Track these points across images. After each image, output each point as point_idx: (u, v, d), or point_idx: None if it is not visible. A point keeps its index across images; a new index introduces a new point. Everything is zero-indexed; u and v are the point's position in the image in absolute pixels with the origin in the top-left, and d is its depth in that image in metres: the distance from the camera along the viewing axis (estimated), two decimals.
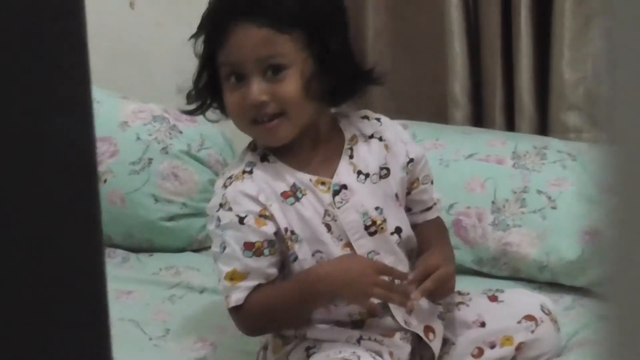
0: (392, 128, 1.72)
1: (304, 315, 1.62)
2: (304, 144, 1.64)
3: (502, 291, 1.75)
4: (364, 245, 1.63)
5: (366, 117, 1.72)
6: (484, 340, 1.67)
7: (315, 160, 1.65)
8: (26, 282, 0.66)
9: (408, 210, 1.73)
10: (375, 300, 1.59)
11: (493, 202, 2.07)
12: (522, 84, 2.30)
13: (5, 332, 0.66)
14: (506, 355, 1.66)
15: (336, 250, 1.62)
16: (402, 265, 1.67)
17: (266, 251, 1.59)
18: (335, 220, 1.62)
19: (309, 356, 1.61)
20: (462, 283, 1.86)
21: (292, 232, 1.61)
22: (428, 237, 1.71)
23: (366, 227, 1.64)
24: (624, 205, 0.52)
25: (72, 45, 0.65)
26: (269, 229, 1.59)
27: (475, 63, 2.39)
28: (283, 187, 1.62)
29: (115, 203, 2.22)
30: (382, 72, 1.70)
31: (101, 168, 2.21)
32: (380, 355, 1.60)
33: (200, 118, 1.76)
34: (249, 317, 1.62)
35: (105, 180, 2.21)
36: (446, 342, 1.69)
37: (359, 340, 1.62)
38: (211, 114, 1.70)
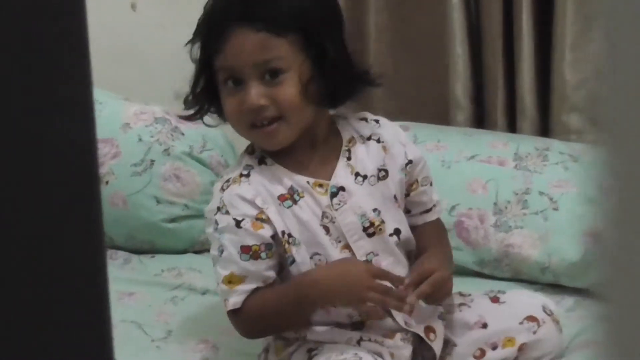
0: (390, 129, 1.72)
1: (301, 319, 1.62)
2: (302, 146, 1.64)
3: (503, 292, 1.75)
4: (362, 246, 1.63)
5: (364, 119, 1.72)
6: (485, 341, 1.67)
7: (313, 163, 1.65)
8: (27, 283, 0.66)
9: (407, 212, 1.73)
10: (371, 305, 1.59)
11: (495, 204, 2.07)
12: (523, 85, 2.30)
13: (7, 333, 0.66)
14: (508, 356, 1.66)
15: (334, 252, 1.62)
16: (402, 266, 1.67)
17: (263, 254, 1.60)
18: (334, 222, 1.62)
19: (311, 358, 1.61)
20: (464, 285, 1.86)
21: (290, 235, 1.61)
22: (427, 239, 1.71)
23: (364, 229, 1.64)
24: (623, 205, 0.52)
25: (73, 47, 0.65)
26: (265, 232, 1.60)
27: (476, 64, 2.38)
28: (280, 190, 1.62)
29: (117, 205, 2.22)
30: (378, 73, 1.70)
31: (103, 170, 2.21)
32: (381, 357, 1.60)
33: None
34: (247, 320, 1.63)
35: (107, 182, 2.22)
36: (448, 343, 1.69)
37: (359, 342, 1.62)
38: (209, 118, 1.70)
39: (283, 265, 1.63)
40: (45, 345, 0.67)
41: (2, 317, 0.65)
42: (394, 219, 1.67)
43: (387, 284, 1.59)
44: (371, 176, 1.66)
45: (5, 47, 0.63)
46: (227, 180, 1.63)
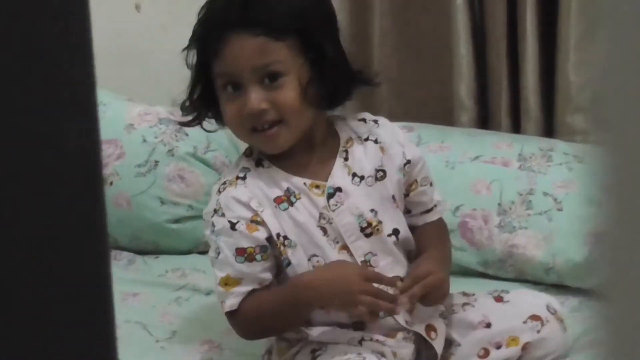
0: (389, 130, 1.72)
1: (297, 320, 1.62)
2: (299, 148, 1.64)
3: (507, 291, 1.75)
4: (360, 247, 1.63)
5: (363, 120, 1.72)
6: (489, 340, 1.67)
7: (310, 164, 1.66)
8: (31, 284, 0.66)
9: (408, 212, 1.72)
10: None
11: (499, 204, 2.07)
12: (528, 86, 2.30)
13: (10, 334, 0.66)
14: (512, 355, 1.66)
15: (333, 253, 1.62)
16: (400, 266, 1.67)
17: (258, 256, 1.60)
18: (331, 223, 1.63)
19: (314, 359, 1.61)
20: (468, 285, 1.86)
21: (285, 238, 1.61)
22: (427, 240, 1.71)
23: (362, 229, 1.64)
24: (624, 206, 0.52)
25: (77, 48, 0.65)
26: (260, 234, 1.60)
27: (481, 65, 2.38)
28: (277, 192, 1.63)
29: (121, 205, 2.22)
30: (383, 74, 1.70)
31: (107, 170, 2.22)
32: (384, 356, 1.60)
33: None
34: (244, 322, 1.63)
35: (111, 183, 2.22)
36: (452, 343, 1.69)
37: (360, 342, 1.62)
38: (207, 123, 1.70)
39: (280, 267, 1.63)
40: (49, 346, 0.67)
41: (6, 318, 0.66)
42: (392, 220, 1.67)
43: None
44: (368, 177, 1.66)
45: (9, 48, 0.63)
46: (224, 183, 1.64)
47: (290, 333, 1.65)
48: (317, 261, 1.62)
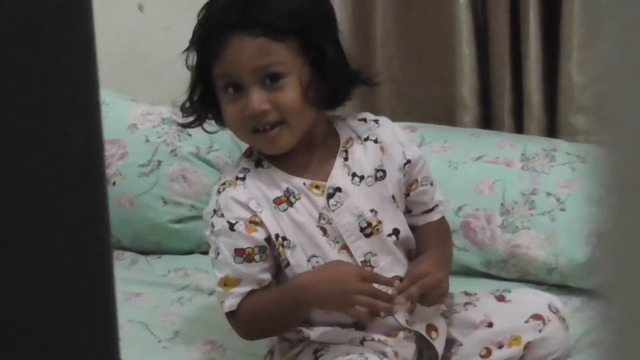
0: (389, 129, 1.72)
1: (295, 321, 1.62)
2: (299, 148, 1.64)
3: (509, 291, 1.75)
4: (360, 247, 1.63)
5: (364, 120, 1.72)
6: (491, 340, 1.67)
7: (310, 164, 1.66)
8: (34, 284, 0.66)
9: (409, 212, 1.72)
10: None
11: (502, 204, 2.07)
12: (530, 86, 2.30)
13: (14, 333, 0.66)
14: (514, 355, 1.66)
15: (332, 253, 1.62)
16: (401, 266, 1.66)
17: (257, 257, 1.60)
18: (330, 224, 1.63)
19: (316, 359, 1.61)
20: (471, 285, 1.86)
21: (284, 239, 1.61)
22: (427, 240, 1.71)
23: (362, 229, 1.64)
24: (626, 205, 0.52)
25: (80, 48, 0.65)
26: (259, 235, 1.60)
27: (483, 65, 2.38)
28: (276, 192, 1.63)
29: (124, 205, 2.22)
30: (374, 72, 1.71)
31: (110, 170, 2.22)
32: (386, 356, 1.60)
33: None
34: (243, 322, 1.64)
35: (114, 183, 2.22)
36: (454, 343, 1.69)
37: (362, 342, 1.62)
38: (207, 125, 1.71)
39: (279, 268, 1.63)
40: (51, 345, 0.67)
41: (8, 317, 0.66)
42: (392, 219, 1.67)
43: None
44: (368, 177, 1.66)
45: (12, 49, 0.63)
46: (224, 183, 1.64)
47: (291, 333, 1.65)
48: (317, 261, 1.62)
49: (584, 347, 1.74)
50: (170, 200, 2.23)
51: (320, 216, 1.63)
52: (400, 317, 1.64)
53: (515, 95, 2.35)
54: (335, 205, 1.63)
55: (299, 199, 1.63)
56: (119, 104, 2.31)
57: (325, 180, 1.64)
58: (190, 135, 2.25)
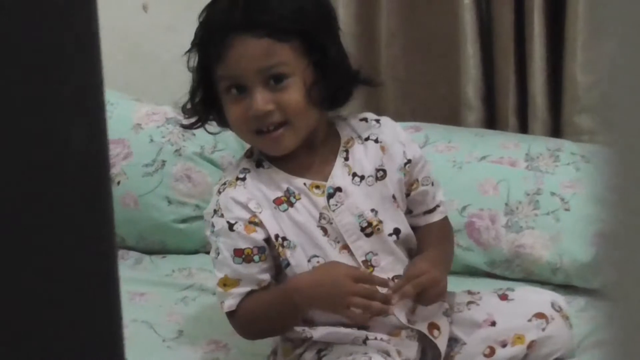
0: (390, 129, 1.71)
1: (293, 322, 1.62)
2: (300, 148, 1.63)
3: (512, 290, 1.75)
4: (361, 246, 1.63)
5: (365, 119, 1.72)
6: (495, 339, 1.67)
7: (311, 164, 1.66)
8: (39, 283, 0.66)
9: (410, 212, 1.72)
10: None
11: (506, 204, 2.06)
12: (535, 86, 2.30)
13: (18, 333, 0.66)
14: (518, 353, 1.66)
15: (333, 253, 1.62)
16: (402, 265, 1.66)
17: (256, 257, 1.60)
18: (331, 224, 1.63)
19: (320, 359, 1.61)
20: (475, 285, 1.86)
21: (284, 239, 1.61)
22: (427, 241, 1.70)
23: (362, 229, 1.64)
24: (630, 206, 0.52)
25: (84, 48, 0.65)
26: (258, 235, 1.60)
27: (488, 65, 2.38)
28: (276, 193, 1.63)
29: (128, 205, 2.22)
30: (376, 72, 1.71)
31: (114, 170, 2.22)
32: (389, 355, 1.60)
33: None
34: (243, 322, 1.64)
35: (118, 183, 2.22)
36: (457, 342, 1.68)
37: (365, 341, 1.62)
38: (209, 126, 1.71)
39: (279, 268, 1.64)
40: (57, 345, 0.67)
41: (13, 317, 0.66)
42: (393, 219, 1.66)
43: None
44: (369, 176, 1.66)
45: (17, 49, 0.63)
46: (224, 184, 1.65)
47: (294, 333, 1.64)
48: (318, 261, 1.62)
49: (588, 347, 1.74)
50: (175, 200, 2.23)
51: (321, 216, 1.63)
52: (401, 316, 1.63)
53: (520, 95, 2.35)
54: (336, 205, 1.63)
55: (299, 199, 1.63)
56: (124, 103, 2.31)
57: (326, 180, 1.64)
58: (194, 135, 2.25)
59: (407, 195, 1.71)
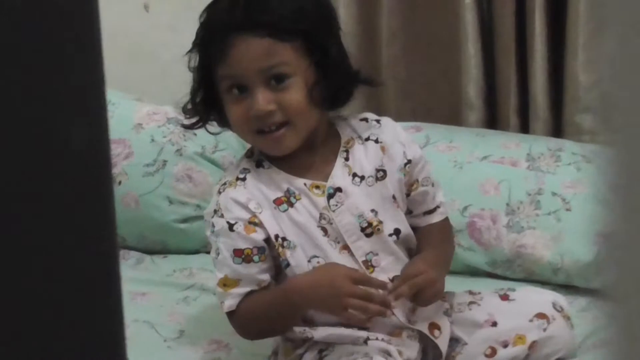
0: (390, 129, 1.71)
1: (292, 323, 1.62)
2: (300, 148, 1.63)
3: (513, 290, 1.75)
4: (361, 247, 1.63)
5: (365, 120, 1.72)
6: (496, 339, 1.67)
7: (311, 164, 1.66)
8: (40, 283, 0.66)
9: (410, 212, 1.72)
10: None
11: (507, 204, 2.06)
12: (536, 86, 2.30)
13: (20, 333, 0.66)
14: (519, 354, 1.66)
15: (333, 253, 1.62)
16: (402, 265, 1.66)
17: (256, 258, 1.60)
18: (331, 224, 1.63)
19: (321, 359, 1.61)
20: (476, 285, 1.86)
21: (284, 239, 1.61)
22: (427, 242, 1.70)
23: (362, 229, 1.64)
24: (632, 205, 0.52)
25: (86, 47, 0.65)
26: (258, 235, 1.60)
27: (489, 65, 2.38)
28: (276, 193, 1.63)
29: (129, 205, 2.22)
30: (376, 72, 1.71)
31: (115, 170, 2.22)
32: (390, 355, 1.60)
33: None
34: (242, 322, 1.64)
35: (119, 182, 2.22)
36: (458, 342, 1.68)
37: (366, 341, 1.62)
38: (209, 126, 1.71)
39: (280, 268, 1.64)
40: (58, 345, 0.67)
41: (15, 317, 0.66)
42: (393, 219, 1.66)
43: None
44: (369, 177, 1.66)
45: (18, 48, 0.63)
46: (224, 184, 1.65)
47: (295, 334, 1.64)
48: (318, 262, 1.62)
49: (589, 347, 1.74)
50: (176, 200, 2.24)
51: (321, 216, 1.63)
52: (401, 316, 1.63)
53: (521, 95, 2.35)
54: (336, 205, 1.63)
55: (300, 199, 1.63)
56: (125, 103, 2.31)
57: (326, 181, 1.64)
58: (195, 134, 2.25)
59: (407, 195, 1.71)
